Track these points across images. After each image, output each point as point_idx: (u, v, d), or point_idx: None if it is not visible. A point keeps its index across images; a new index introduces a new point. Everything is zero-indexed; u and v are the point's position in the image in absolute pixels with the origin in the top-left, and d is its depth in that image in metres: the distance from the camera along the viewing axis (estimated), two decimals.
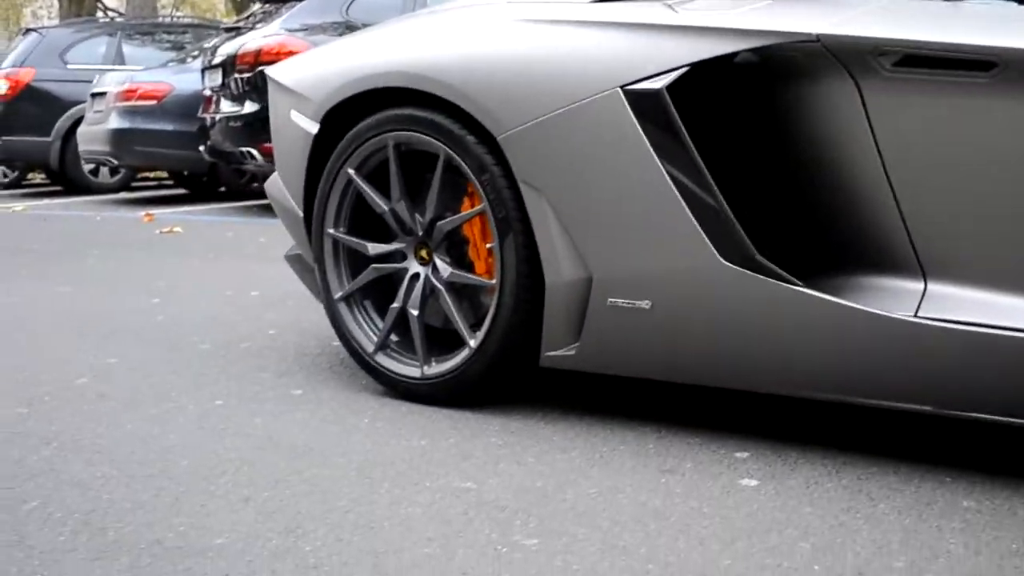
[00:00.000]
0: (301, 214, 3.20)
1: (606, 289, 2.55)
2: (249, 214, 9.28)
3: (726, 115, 2.49)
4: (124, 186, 12.64)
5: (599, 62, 2.52)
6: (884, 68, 2.24)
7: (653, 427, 2.69)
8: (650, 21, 2.53)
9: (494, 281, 2.75)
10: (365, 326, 3.08)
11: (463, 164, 2.76)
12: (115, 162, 11.16)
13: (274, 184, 3.35)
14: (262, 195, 11.70)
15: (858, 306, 2.25)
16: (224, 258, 6.46)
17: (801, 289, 2.30)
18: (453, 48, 2.80)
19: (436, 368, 2.90)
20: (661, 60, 2.42)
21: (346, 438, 2.72)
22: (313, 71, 3.16)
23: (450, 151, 2.78)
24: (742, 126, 2.49)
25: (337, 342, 3.66)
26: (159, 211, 9.68)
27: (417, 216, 2.93)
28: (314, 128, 3.08)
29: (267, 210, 10.12)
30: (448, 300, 2.87)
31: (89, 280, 5.70)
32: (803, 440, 2.55)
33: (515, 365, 2.80)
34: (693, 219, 2.38)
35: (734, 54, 2.39)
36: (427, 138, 2.82)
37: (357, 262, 3.11)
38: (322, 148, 3.09)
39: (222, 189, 11.67)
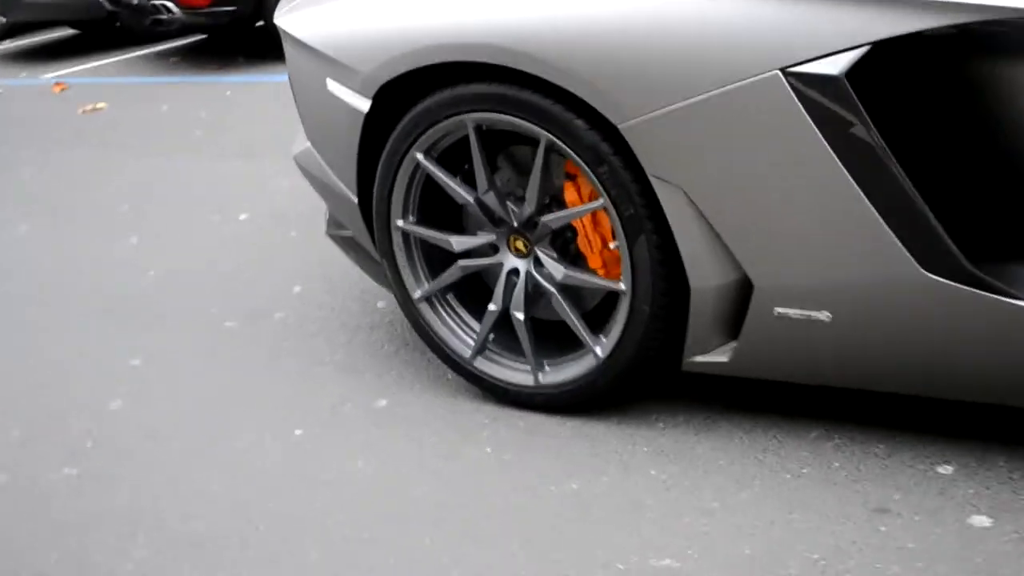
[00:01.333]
0: (356, 199, 2.72)
1: (772, 298, 2.18)
2: (172, 69, 8.45)
3: (909, 101, 2.07)
4: (7, 34, 11.50)
5: (753, 38, 2.05)
6: None
7: (822, 432, 2.40)
8: None
9: (623, 286, 2.36)
10: (456, 327, 2.69)
11: (572, 154, 2.30)
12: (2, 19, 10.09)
13: (310, 159, 2.84)
14: (168, 36, 11.32)
15: None
16: (180, 152, 5.80)
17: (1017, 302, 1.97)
18: (562, 16, 2.23)
19: (553, 376, 2.54)
20: (832, 36, 1.97)
21: (476, 481, 2.40)
22: (355, 31, 2.57)
23: (554, 138, 2.31)
24: (930, 113, 2.07)
25: (383, 302, 3.31)
26: (64, 74, 8.81)
27: (511, 206, 2.51)
28: (365, 105, 2.55)
29: (191, 58, 9.57)
30: (564, 303, 2.47)
31: (39, 209, 5.08)
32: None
33: (648, 371, 2.45)
34: (884, 224, 2.01)
35: (926, 30, 1.95)
36: (522, 121, 2.34)
37: (437, 256, 2.68)
38: (376, 125, 2.60)
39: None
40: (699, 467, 2.31)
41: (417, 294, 2.68)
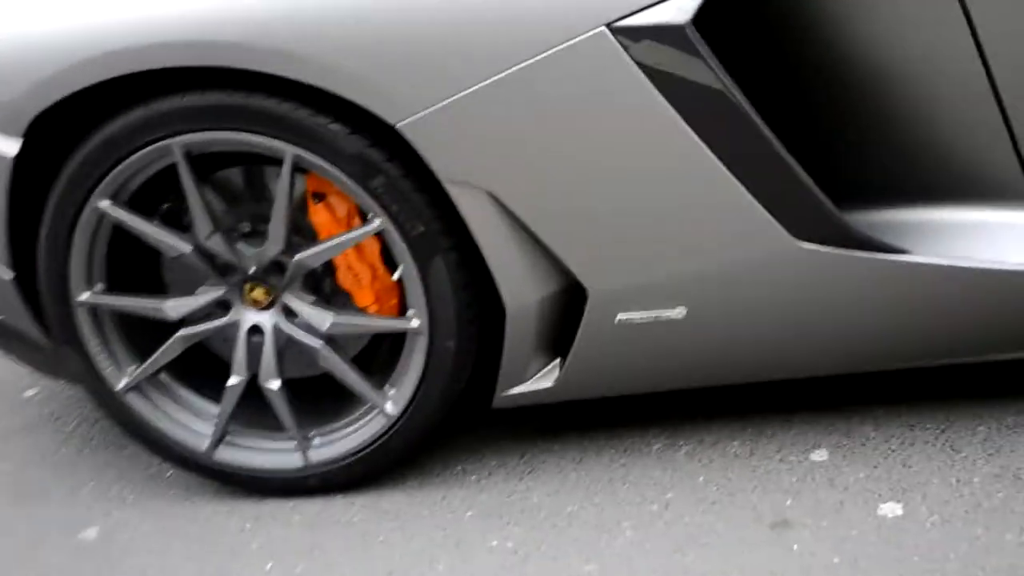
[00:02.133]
0: (10, 275, 1.96)
1: (611, 303, 1.78)
2: None
3: (752, 47, 1.74)
4: None
5: None
6: None
7: (665, 442, 2.04)
8: None
9: (417, 322, 1.86)
10: (180, 416, 2.02)
11: (331, 168, 1.74)
12: None
13: None
14: None
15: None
16: None
17: (907, 259, 1.73)
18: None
19: (329, 450, 1.97)
20: None
21: None
22: None
23: (303, 152, 1.74)
24: (775, 58, 1.75)
25: (33, 390, 2.57)
26: None
27: (242, 249, 1.91)
28: (13, 147, 1.82)
29: None
30: (335, 357, 1.92)
31: None
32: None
33: (454, 417, 1.97)
34: (747, 193, 1.68)
35: None
36: (256, 137, 1.74)
37: (139, 330, 2.00)
38: (28, 173, 1.86)
39: None
40: (547, 523, 1.87)
41: (122, 384, 1.98)
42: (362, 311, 1.91)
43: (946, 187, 1.79)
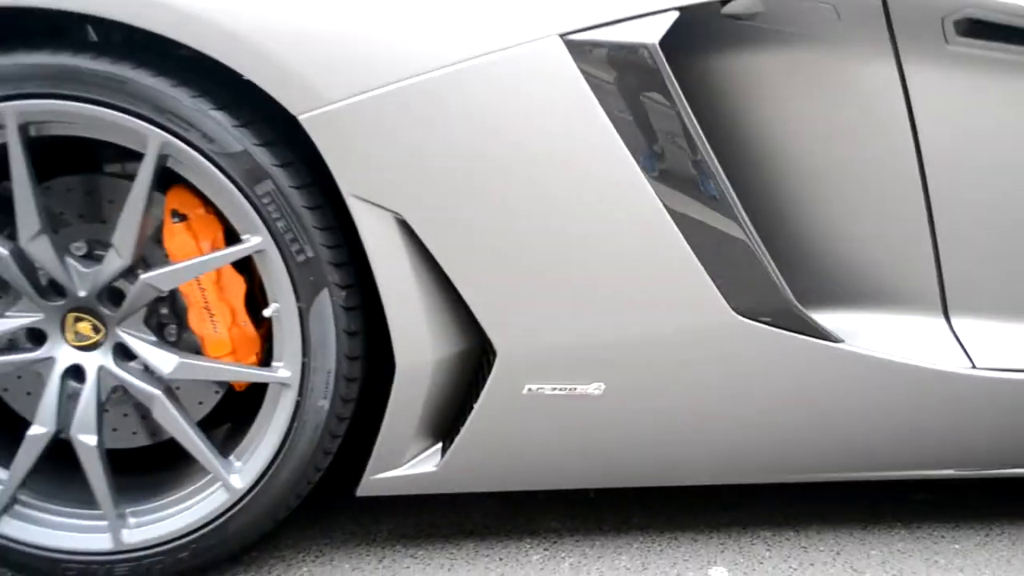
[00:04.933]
0: None
1: (522, 371, 1.36)
2: None
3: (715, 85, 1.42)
4: None
5: None
6: (947, 38, 1.38)
7: (545, 555, 1.58)
8: None
9: (285, 374, 1.38)
10: None
11: (207, 164, 1.28)
12: None
13: None
14: None
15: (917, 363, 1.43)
16: None
17: (845, 347, 1.40)
18: None
19: (149, 531, 1.41)
20: None
21: None
22: None
23: (177, 140, 1.28)
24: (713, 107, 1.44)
25: None
26: None
27: (74, 265, 1.39)
28: None
29: None
30: (175, 412, 1.40)
31: None
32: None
33: (303, 495, 1.47)
34: (692, 255, 1.33)
35: None
36: (114, 113, 1.26)
37: None
38: None
39: None
40: None
41: None
42: (216, 359, 1.42)
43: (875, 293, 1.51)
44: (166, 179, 1.37)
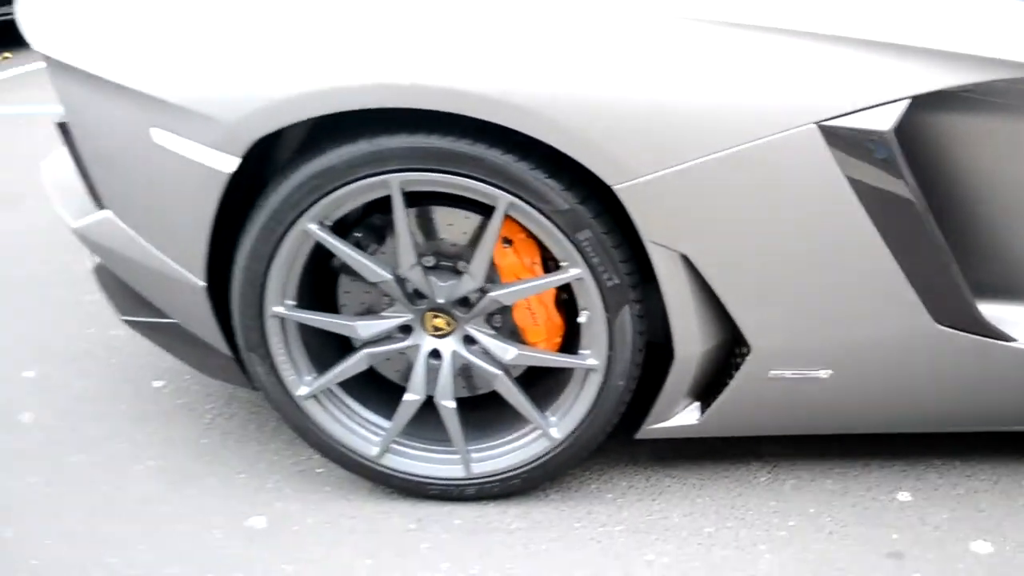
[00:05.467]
0: (202, 283, 1.87)
1: (769, 361, 1.78)
2: None
3: (937, 156, 1.74)
4: None
5: (785, 90, 1.59)
6: None
7: (771, 476, 2.06)
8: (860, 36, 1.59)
9: (595, 361, 1.84)
10: (351, 424, 1.96)
11: (543, 219, 1.70)
12: None
13: (111, 233, 1.89)
14: None
15: None
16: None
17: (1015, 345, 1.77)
18: (554, 60, 1.59)
19: (492, 464, 1.94)
20: (873, 88, 1.58)
21: None
22: (207, 64, 1.69)
23: (520, 200, 1.70)
24: (956, 168, 1.75)
25: (161, 381, 2.45)
26: None
27: (435, 281, 1.85)
28: (230, 164, 1.71)
29: None
30: (512, 386, 1.88)
31: None
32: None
33: (601, 442, 1.96)
34: (906, 280, 1.69)
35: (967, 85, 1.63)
36: (472, 182, 1.69)
37: (318, 344, 1.94)
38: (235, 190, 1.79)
39: None
40: (691, 541, 1.87)
41: (302, 391, 1.92)
42: (541, 348, 1.89)
43: None
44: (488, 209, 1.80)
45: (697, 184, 1.63)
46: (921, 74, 1.57)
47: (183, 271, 1.85)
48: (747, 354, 1.78)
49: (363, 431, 1.96)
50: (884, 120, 1.57)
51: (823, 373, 1.81)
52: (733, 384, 1.82)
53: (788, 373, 1.81)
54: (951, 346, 1.75)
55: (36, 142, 4.71)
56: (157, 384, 2.44)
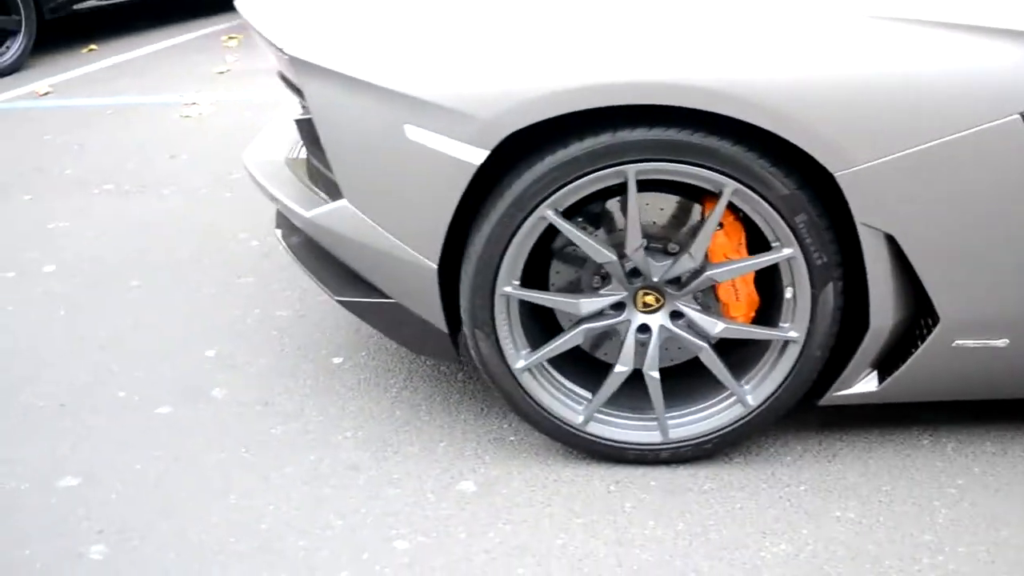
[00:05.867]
0: (435, 266, 1.99)
1: (955, 332, 1.94)
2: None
3: None
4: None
5: (991, 83, 1.77)
6: None
7: (932, 439, 2.22)
8: None
9: (795, 334, 1.99)
10: (558, 394, 2.10)
11: (761, 203, 1.86)
12: None
13: (348, 222, 2.01)
14: None
15: None
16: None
17: None
18: (773, 55, 1.76)
19: (687, 430, 2.08)
20: None
21: (683, 566, 1.85)
22: (463, 65, 1.84)
23: (744, 187, 1.85)
24: None
25: (339, 357, 2.57)
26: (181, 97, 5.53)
27: (651, 261, 1.99)
28: (478, 157, 1.85)
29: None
30: (715, 358, 2.03)
31: None
32: None
33: (791, 407, 2.12)
34: None
35: None
36: (700, 170, 1.84)
37: (533, 320, 2.09)
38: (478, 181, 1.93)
39: None
40: (872, 498, 2.02)
41: (520, 364, 2.05)
42: (741, 323, 2.05)
43: None
44: (698, 192, 1.96)
45: (910, 171, 1.79)
46: None
47: (417, 255, 1.98)
48: (934, 326, 1.95)
49: (569, 401, 2.10)
50: None
51: (1001, 342, 1.98)
52: (918, 354, 1.98)
53: (970, 343, 1.97)
54: None
55: (139, 133, 4.82)
56: (336, 360, 2.56)
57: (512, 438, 2.23)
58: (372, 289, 2.12)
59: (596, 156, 1.84)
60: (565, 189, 1.87)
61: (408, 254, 1.99)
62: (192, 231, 3.49)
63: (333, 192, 2.05)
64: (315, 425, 2.30)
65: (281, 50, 2.00)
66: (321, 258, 2.22)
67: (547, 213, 1.90)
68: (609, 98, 1.78)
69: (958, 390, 2.11)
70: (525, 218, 1.90)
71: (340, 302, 2.18)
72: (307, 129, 2.06)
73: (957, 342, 1.97)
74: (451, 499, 2.05)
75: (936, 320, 1.94)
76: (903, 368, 2.02)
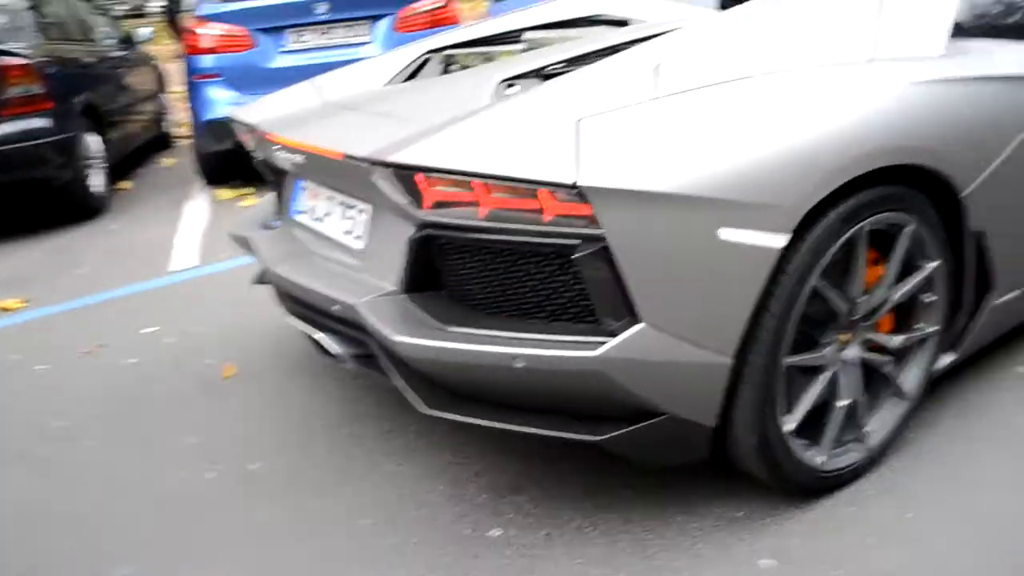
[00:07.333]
0: (731, 360, 1.94)
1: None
2: None
3: None
4: None
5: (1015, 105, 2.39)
6: None
7: None
8: None
9: (934, 327, 2.38)
10: (803, 442, 2.21)
11: (927, 229, 2.23)
12: None
13: (649, 347, 1.90)
14: None
15: None
16: None
17: None
18: (932, 112, 2.17)
19: (878, 436, 2.35)
20: None
21: None
22: (759, 160, 1.92)
23: (919, 221, 2.21)
24: None
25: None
26: None
27: (859, 299, 2.22)
28: (782, 240, 1.91)
29: None
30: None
31: None
32: None
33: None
34: None
35: None
36: (899, 214, 2.16)
37: (790, 379, 2.16)
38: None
39: None
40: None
41: (790, 427, 2.11)
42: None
43: None
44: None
45: (994, 184, 2.34)
46: None
47: (715, 357, 1.97)
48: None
49: (806, 444, 2.23)
50: None
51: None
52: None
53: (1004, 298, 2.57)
54: None
55: None
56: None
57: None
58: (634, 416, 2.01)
59: (843, 220, 2.05)
60: (826, 255, 2.05)
61: (706, 360, 1.96)
62: None
63: (609, 323, 1.93)
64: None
65: (550, 183, 1.83)
66: None
67: (818, 282, 2.06)
68: (847, 173, 2.04)
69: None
70: (802, 288, 2.02)
71: (600, 442, 2.01)
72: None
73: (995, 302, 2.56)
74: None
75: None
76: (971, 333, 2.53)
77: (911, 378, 2.41)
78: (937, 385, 2.63)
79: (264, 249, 2.74)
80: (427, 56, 3.27)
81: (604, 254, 1.87)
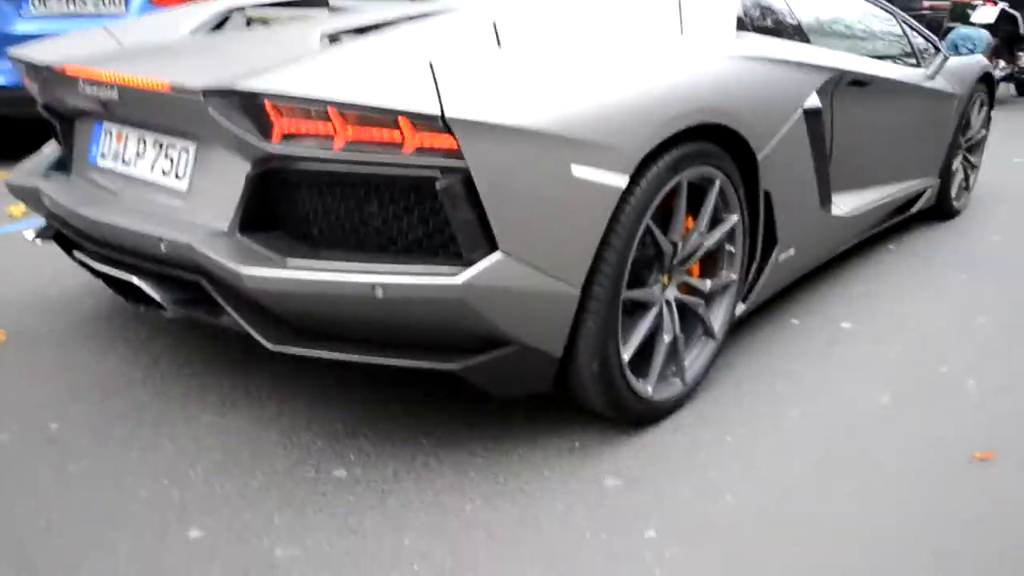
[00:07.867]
0: (579, 292, 2.01)
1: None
2: None
3: None
4: None
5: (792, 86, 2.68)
6: None
7: None
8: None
9: (735, 276, 2.61)
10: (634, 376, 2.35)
11: (731, 185, 2.46)
12: None
13: (507, 273, 1.94)
14: None
15: None
16: None
17: None
18: (738, 81, 2.43)
19: (692, 372, 2.56)
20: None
21: None
22: (607, 105, 2.05)
23: (725, 177, 2.45)
24: None
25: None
26: None
27: (679, 243, 2.41)
28: (623, 181, 2.03)
29: None
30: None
31: None
32: None
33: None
34: None
35: None
36: (711, 169, 2.39)
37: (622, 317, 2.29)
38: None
39: None
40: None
41: (627, 356, 2.25)
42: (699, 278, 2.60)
43: None
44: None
45: (776, 148, 2.61)
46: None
47: (565, 287, 2.06)
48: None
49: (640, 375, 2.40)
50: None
51: (791, 251, 2.91)
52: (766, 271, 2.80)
53: (782, 256, 2.87)
54: None
55: None
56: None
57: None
58: (480, 347, 2.06)
59: (666, 170, 2.24)
60: (653, 201, 2.21)
61: (557, 290, 2.05)
62: None
63: (468, 251, 1.96)
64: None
65: (416, 113, 1.83)
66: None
67: (648, 224, 2.20)
68: (684, 122, 2.25)
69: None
70: (637, 229, 2.17)
71: (457, 370, 2.03)
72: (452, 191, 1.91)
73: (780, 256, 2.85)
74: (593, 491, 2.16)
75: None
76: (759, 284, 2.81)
77: (718, 320, 2.64)
78: (730, 333, 2.87)
79: (61, 196, 2.52)
80: (228, 12, 3.15)
81: (467, 186, 1.91)
